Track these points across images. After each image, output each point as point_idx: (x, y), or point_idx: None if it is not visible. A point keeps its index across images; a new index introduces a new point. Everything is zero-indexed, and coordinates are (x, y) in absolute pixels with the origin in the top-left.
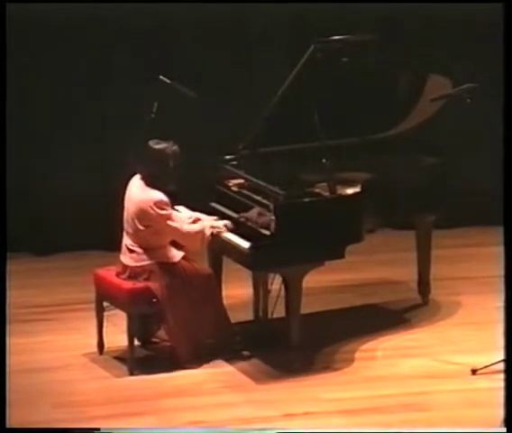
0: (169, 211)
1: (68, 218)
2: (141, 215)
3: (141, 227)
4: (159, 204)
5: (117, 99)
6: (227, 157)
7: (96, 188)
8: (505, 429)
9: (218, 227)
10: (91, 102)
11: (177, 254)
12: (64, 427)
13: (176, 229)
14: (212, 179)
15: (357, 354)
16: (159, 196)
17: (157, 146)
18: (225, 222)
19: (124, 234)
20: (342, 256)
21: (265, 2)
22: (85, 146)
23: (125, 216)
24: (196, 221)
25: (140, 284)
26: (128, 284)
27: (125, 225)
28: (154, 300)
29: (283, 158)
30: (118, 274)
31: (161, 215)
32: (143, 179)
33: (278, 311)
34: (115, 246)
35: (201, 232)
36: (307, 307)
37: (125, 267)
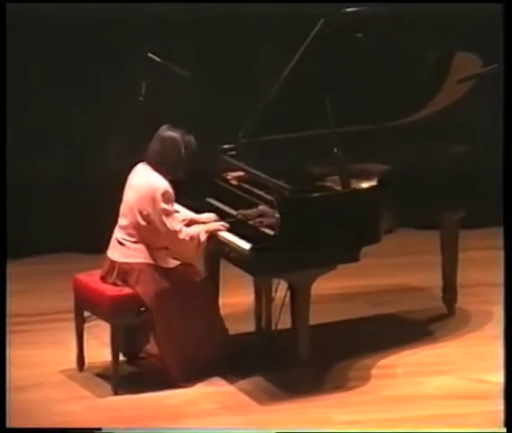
0: (172, 208)
1: (44, 216)
2: (144, 202)
3: (139, 219)
4: (165, 195)
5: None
6: (225, 146)
7: (76, 181)
8: (505, 429)
9: (215, 230)
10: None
11: (172, 261)
12: (64, 427)
13: (172, 233)
14: (208, 172)
15: (374, 371)
16: (166, 186)
17: (169, 133)
18: (222, 223)
19: (117, 228)
20: (356, 259)
21: (265, 2)
22: (64, 137)
23: (122, 208)
24: (190, 224)
25: (126, 290)
26: (112, 290)
27: (120, 218)
28: (142, 309)
29: (289, 147)
30: (103, 278)
31: (163, 209)
32: (151, 165)
33: (284, 322)
34: (100, 248)
35: (196, 238)
36: (316, 317)
37: (112, 265)
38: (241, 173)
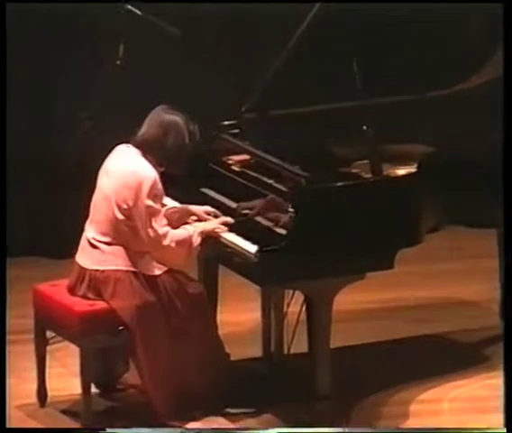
0: (158, 207)
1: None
2: (125, 193)
3: (117, 213)
4: (153, 188)
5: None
6: (225, 123)
7: (36, 163)
8: (505, 429)
9: (212, 231)
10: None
11: (157, 267)
12: (65, 427)
13: (154, 238)
14: (202, 155)
15: (413, 407)
16: (155, 177)
17: (171, 117)
18: (223, 219)
19: (87, 224)
20: (390, 266)
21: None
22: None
23: (94, 199)
24: (181, 218)
25: (99, 305)
26: (82, 305)
27: (92, 212)
28: (121, 329)
29: (305, 124)
30: (70, 289)
31: (147, 206)
32: (140, 150)
33: (298, 344)
34: (66, 251)
35: (186, 243)
36: (340, 338)
37: (82, 273)
38: (245, 157)
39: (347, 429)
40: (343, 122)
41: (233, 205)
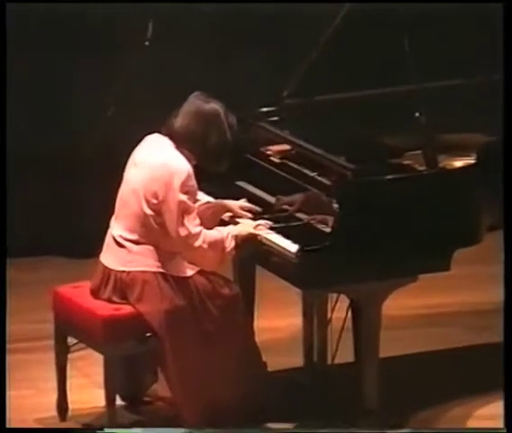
0: (192, 204)
1: (12, 206)
2: (155, 186)
3: (145, 208)
4: (187, 183)
5: None
6: (263, 110)
7: (56, 157)
8: (505, 430)
9: (248, 235)
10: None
11: (189, 268)
12: (65, 427)
13: (185, 237)
14: (239, 145)
15: (471, 422)
16: (189, 172)
17: (212, 106)
18: (260, 221)
19: (113, 220)
20: (446, 267)
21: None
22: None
23: (121, 193)
24: (216, 212)
25: (125, 309)
26: (106, 309)
27: (118, 207)
28: (148, 335)
29: (351, 111)
30: (94, 291)
31: (180, 202)
32: (174, 141)
33: (344, 354)
34: (90, 250)
35: (219, 245)
36: (390, 347)
37: (106, 274)
38: (285, 147)
39: (348, 430)
40: (394, 108)
41: (272, 200)
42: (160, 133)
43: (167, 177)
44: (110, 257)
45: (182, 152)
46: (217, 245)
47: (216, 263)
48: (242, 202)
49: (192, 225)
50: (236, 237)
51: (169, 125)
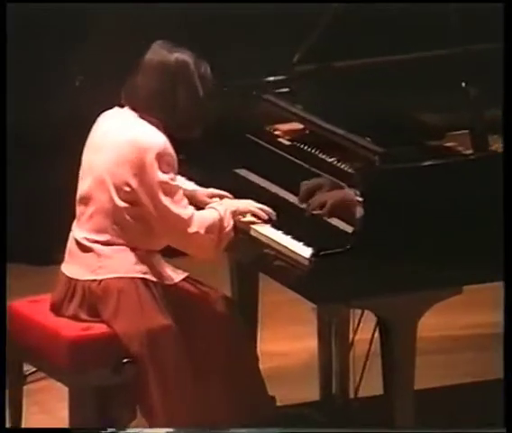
0: (173, 181)
1: None
2: (125, 171)
3: (116, 199)
4: (164, 158)
5: None
6: (269, 79)
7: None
8: (505, 429)
9: (248, 211)
10: None
11: (174, 273)
12: (65, 427)
13: (177, 225)
14: (239, 123)
15: None
16: (164, 143)
17: (176, 56)
18: (262, 207)
19: (75, 224)
20: (498, 277)
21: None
22: None
23: (82, 189)
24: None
25: (96, 329)
26: (72, 328)
27: (80, 206)
28: (125, 361)
29: (378, 80)
30: (55, 306)
31: (159, 182)
32: (137, 111)
33: (370, 384)
34: (51, 256)
35: (217, 225)
36: (424, 375)
37: (71, 286)
38: (296, 125)
39: (349, 430)
40: (433, 77)
41: (280, 191)
42: (119, 106)
43: (138, 156)
44: (74, 266)
45: (150, 122)
46: (214, 226)
47: (213, 248)
48: (251, 205)
49: (181, 207)
50: (234, 213)
51: (128, 90)
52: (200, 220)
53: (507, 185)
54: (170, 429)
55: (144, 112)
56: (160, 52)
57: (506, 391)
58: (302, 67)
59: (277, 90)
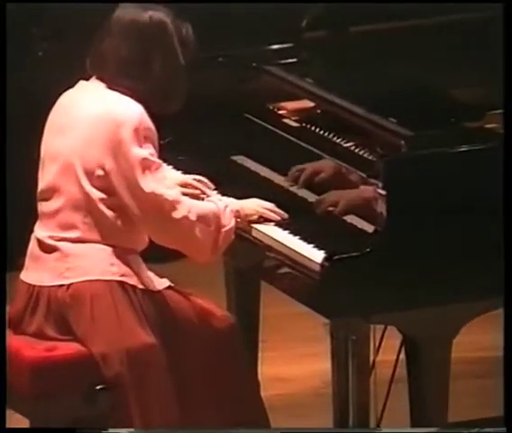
0: (154, 158)
1: None
2: (97, 152)
3: (87, 186)
4: (140, 131)
5: None
6: (273, 47)
7: None
8: (505, 429)
9: (258, 211)
10: None
11: (157, 279)
12: (66, 426)
13: (158, 207)
14: (236, 100)
15: None
16: (141, 114)
17: (151, 15)
18: (273, 207)
19: (38, 221)
20: None
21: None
22: None
23: (44, 180)
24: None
25: (65, 347)
26: (35, 348)
27: (42, 200)
28: (100, 388)
29: (405, 49)
30: (14, 322)
31: (139, 159)
32: (107, 82)
33: (395, 414)
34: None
35: (212, 219)
36: (463, 405)
37: (34, 294)
38: (306, 103)
39: (348, 430)
40: (469, 46)
41: (284, 182)
42: (84, 79)
43: (111, 131)
44: (37, 272)
45: (123, 91)
46: (209, 220)
47: (210, 247)
48: (258, 205)
49: (163, 186)
50: (238, 214)
51: (94, 57)
52: (190, 204)
53: (507, 186)
54: (171, 430)
55: (114, 82)
56: (130, 10)
57: (506, 391)
58: (312, 33)
59: (282, 61)
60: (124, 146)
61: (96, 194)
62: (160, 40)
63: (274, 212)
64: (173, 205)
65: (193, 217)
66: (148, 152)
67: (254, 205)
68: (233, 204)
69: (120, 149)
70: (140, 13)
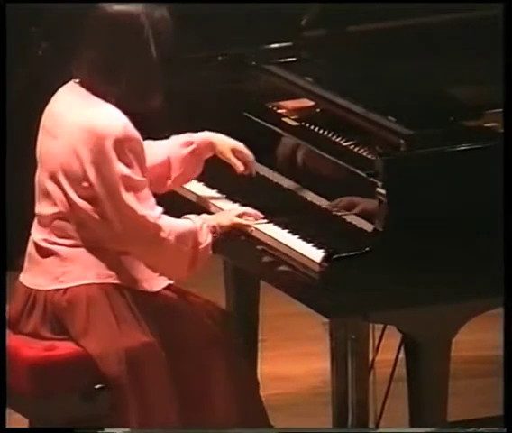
0: (139, 175)
1: None
2: (79, 162)
3: (73, 196)
4: (125, 144)
5: None
6: (272, 46)
7: None
8: (505, 430)
9: (233, 227)
10: None
11: (154, 279)
12: (66, 426)
13: (144, 228)
14: (234, 99)
15: None
16: (123, 126)
17: (117, 7)
18: (247, 210)
19: (35, 224)
20: None
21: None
22: None
23: (39, 180)
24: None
25: (62, 347)
26: (34, 348)
27: (38, 201)
28: (98, 387)
29: (404, 48)
30: (12, 322)
31: (121, 175)
32: (85, 86)
33: (394, 415)
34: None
35: (189, 239)
36: (462, 405)
37: (31, 297)
38: (305, 102)
39: (348, 430)
40: (469, 44)
41: (284, 181)
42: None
43: (93, 144)
44: (34, 275)
45: (108, 100)
46: (188, 239)
47: (185, 268)
48: (233, 218)
49: (149, 206)
50: (214, 229)
51: (75, 60)
52: (170, 225)
53: (507, 187)
54: (170, 430)
55: (90, 85)
56: (100, 7)
57: (506, 390)
58: (312, 32)
59: (281, 60)
60: (108, 160)
61: (81, 204)
62: (130, 32)
63: (249, 215)
64: (155, 227)
65: (172, 239)
66: (130, 170)
67: (228, 217)
68: (208, 220)
69: (104, 163)
70: (107, 7)
